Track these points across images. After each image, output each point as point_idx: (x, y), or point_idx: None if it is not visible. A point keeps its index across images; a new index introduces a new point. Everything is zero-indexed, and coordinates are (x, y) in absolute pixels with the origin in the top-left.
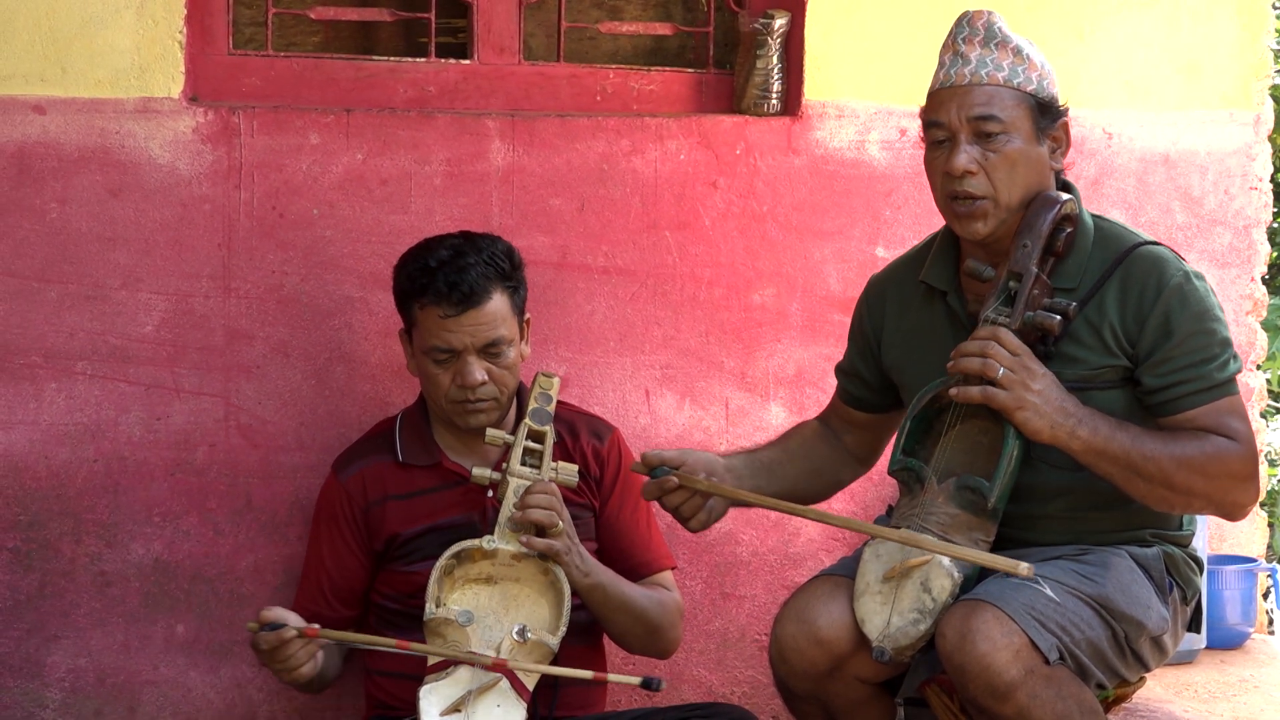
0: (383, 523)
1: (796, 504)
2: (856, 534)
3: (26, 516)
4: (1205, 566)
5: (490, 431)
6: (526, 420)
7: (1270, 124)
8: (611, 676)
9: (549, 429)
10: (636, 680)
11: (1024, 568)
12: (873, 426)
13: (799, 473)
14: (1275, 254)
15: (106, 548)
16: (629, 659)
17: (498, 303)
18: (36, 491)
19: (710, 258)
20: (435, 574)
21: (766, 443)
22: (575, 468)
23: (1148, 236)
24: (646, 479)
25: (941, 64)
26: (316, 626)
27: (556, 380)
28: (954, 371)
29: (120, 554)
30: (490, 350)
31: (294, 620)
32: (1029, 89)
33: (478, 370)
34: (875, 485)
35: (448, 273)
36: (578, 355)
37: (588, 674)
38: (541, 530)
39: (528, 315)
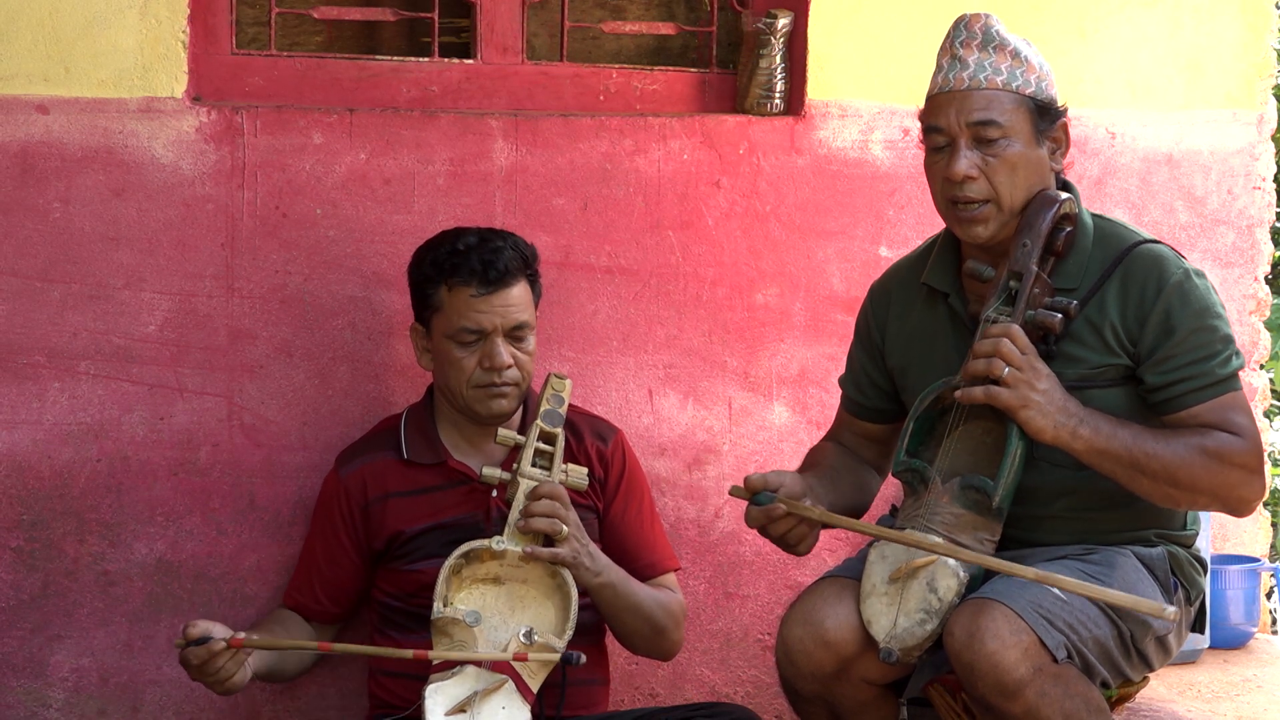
0: (384, 520)
1: (886, 528)
2: (859, 535)
3: (30, 516)
4: (1209, 567)
5: (502, 432)
6: (539, 421)
7: (1274, 123)
8: (532, 655)
9: (560, 431)
10: (556, 657)
11: (1170, 611)
12: (888, 438)
13: (851, 489)
14: (1279, 253)
15: (110, 547)
16: (633, 659)
17: (523, 288)
18: (39, 491)
19: (713, 257)
20: (444, 573)
21: (809, 465)
22: (585, 470)
23: (1148, 235)
24: (748, 505)
25: (939, 67)
26: (241, 635)
27: (569, 382)
28: (964, 376)
29: (123, 553)
30: (516, 333)
31: (219, 632)
32: (1028, 91)
33: (505, 353)
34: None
35: (481, 253)
36: (580, 355)
37: (506, 655)
38: (549, 538)
39: (536, 310)
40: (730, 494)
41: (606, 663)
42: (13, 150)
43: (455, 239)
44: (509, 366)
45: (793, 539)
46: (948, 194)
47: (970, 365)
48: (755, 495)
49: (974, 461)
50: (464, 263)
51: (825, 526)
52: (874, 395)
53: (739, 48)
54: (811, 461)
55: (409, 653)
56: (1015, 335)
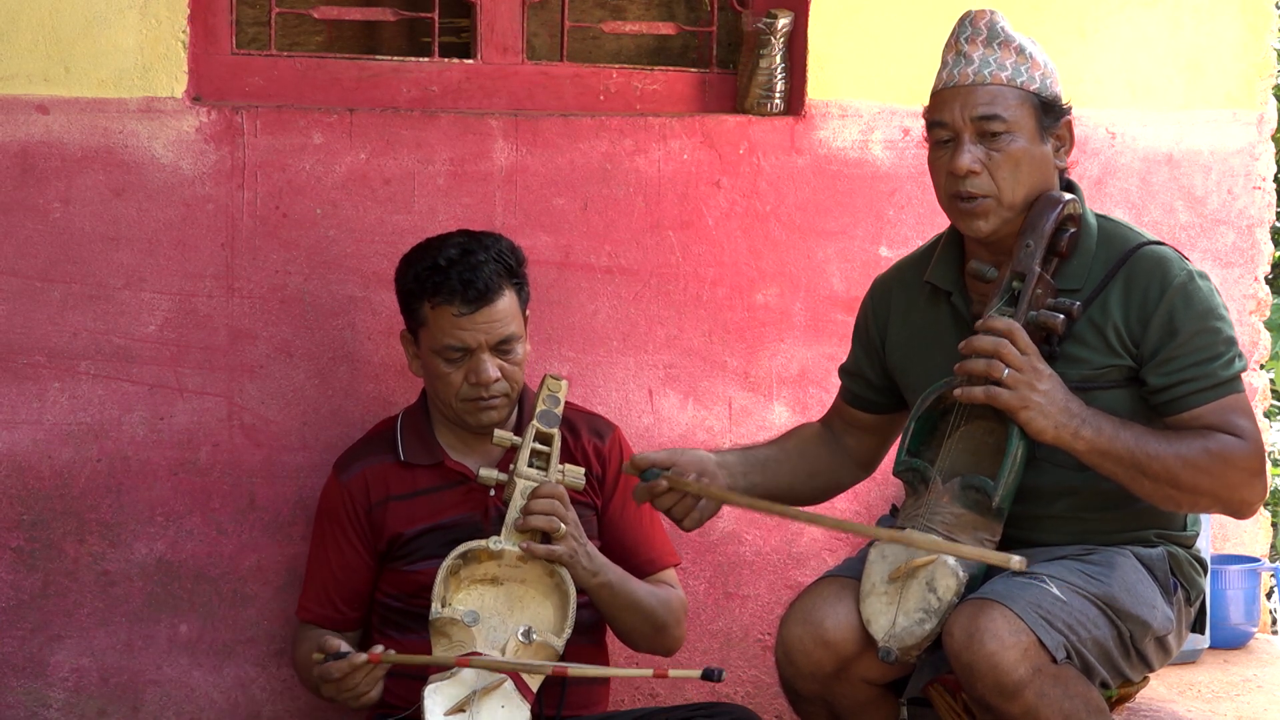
0: (384, 523)
1: (785, 505)
2: (859, 535)
3: (30, 516)
4: (1209, 567)
5: (498, 433)
6: (535, 422)
7: (1274, 123)
8: (673, 672)
9: (556, 431)
10: (697, 674)
11: (1015, 561)
12: (876, 429)
13: (795, 472)
14: (1279, 253)
15: (110, 547)
16: (633, 657)
17: (508, 300)
18: (40, 491)
19: (713, 257)
20: (442, 574)
21: (765, 441)
22: (583, 470)
23: (1151, 236)
24: (638, 482)
25: (944, 63)
26: (379, 650)
27: (565, 383)
28: (961, 372)
29: (123, 554)
30: (502, 347)
31: (347, 648)
32: (1032, 88)
33: (492, 368)
34: (879, 485)
35: (460, 270)
36: (581, 355)
37: (648, 671)
38: (546, 536)
39: (527, 312)
40: (623, 471)
41: (606, 662)
42: (13, 150)
43: (437, 252)
44: (496, 380)
45: (678, 513)
46: (950, 189)
47: (969, 364)
48: (642, 472)
49: (975, 461)
50: (445, 281)
51: (729, 504)
52: (864, 387)
53: (739, 48)
54: (779, 437)
55: (549, 666)
56: (1017, 335)
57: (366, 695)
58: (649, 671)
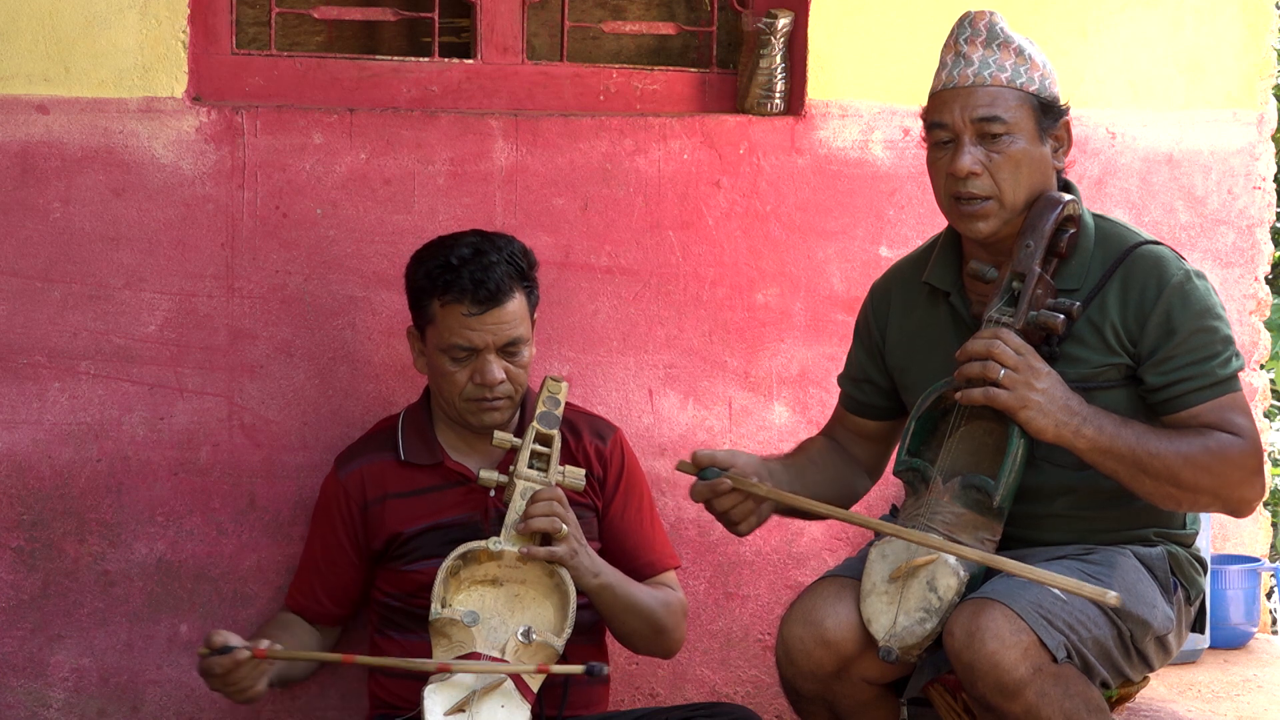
0: (382, 521)
1: (848, 511)
2: (860, 533)
3: (30, 516)
4: (1209, 567)
5: (498, 434)
6: (535, 424)
7: (1274, 123)
8: (554, 668)
9: (556, 433)
10: (580, 669)
11: (1112, 596)
12: (880, 436)
13: (825, 480)
14: (1279, 253)
15: (110, 547)
16: (633, 658)
17: (518, 302)
18: (40, 491)
19: (714, 257)
20: (441, 574)
21: (790, 454)
22: (583, 471)
23: (1148, 235)
24: (695, 479)
25: (943, 65)
26: (265, 646)
27: (565, 385)
28: (959, 378)
29: (124, 554)
30: (509, 349)
31: (238, 643)
32: (1031, 89)
33: (497, 369)
34: (879, 485)
35: (472, 270)
36: (581, 355)
37: (530, 666)
38: (547, 537)
39: (535, 316)
40: (677, 469)
41: (606, 662)
42: (13, 150)
43: (449, 250)
44: (501, 382)
45: (736, 516)
46: (951, 190)
47: (965, 367)
48: (702, 470)
49: (976, 461)
50: (456, 280)
51: (781, 511)
52: (870, 393)
53: (739, 48)
54: (792, 451)
55: (433, 663)
56: (1006, 337)
57: (251, 690)
58: (532, 666)
